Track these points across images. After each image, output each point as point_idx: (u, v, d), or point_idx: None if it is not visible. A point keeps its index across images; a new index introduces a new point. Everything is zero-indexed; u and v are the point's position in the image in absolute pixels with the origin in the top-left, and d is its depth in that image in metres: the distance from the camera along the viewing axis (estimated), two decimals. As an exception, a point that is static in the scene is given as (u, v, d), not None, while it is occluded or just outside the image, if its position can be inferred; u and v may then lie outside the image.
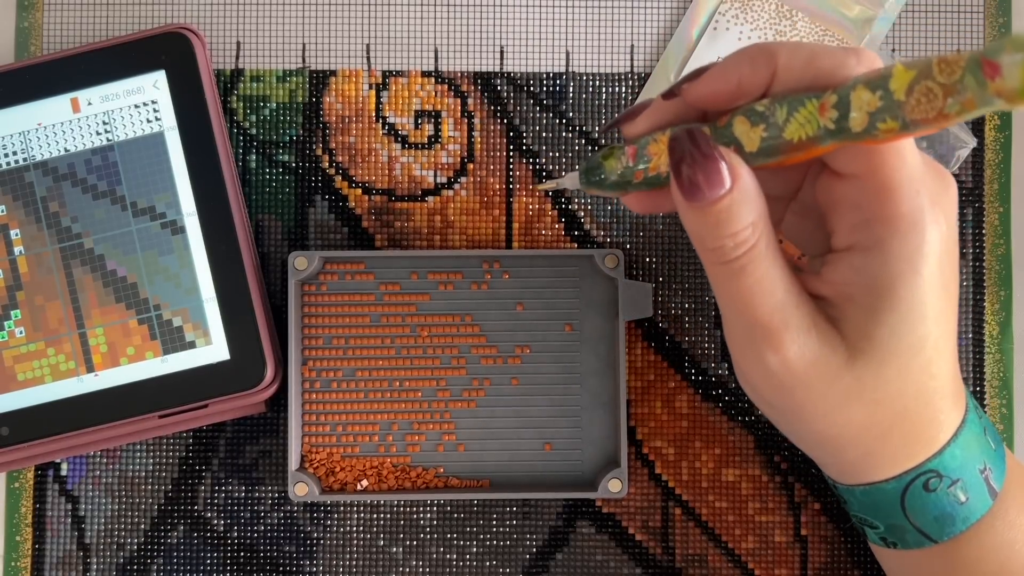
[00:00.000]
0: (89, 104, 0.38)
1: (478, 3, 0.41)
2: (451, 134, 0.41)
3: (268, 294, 0.40)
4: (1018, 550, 0.31)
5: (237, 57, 0.41)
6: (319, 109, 0.41)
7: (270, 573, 0.40)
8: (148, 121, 0.38)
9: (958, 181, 0.41)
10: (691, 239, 0.29)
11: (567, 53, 0.41)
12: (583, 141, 0.41)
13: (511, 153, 0.41)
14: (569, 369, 0.39)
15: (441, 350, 0.39)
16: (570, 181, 0.33)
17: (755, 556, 0.40)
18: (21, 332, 0.38)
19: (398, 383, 0.39)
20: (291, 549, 0.40)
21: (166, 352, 0.38)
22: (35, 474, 0.40)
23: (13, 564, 0.40)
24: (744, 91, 0.29)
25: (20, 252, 0.38)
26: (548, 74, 0.41)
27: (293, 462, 0.38)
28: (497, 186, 0.41)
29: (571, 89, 0.41)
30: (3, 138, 0.38)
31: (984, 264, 0.40)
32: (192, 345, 0.38)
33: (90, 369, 0.38)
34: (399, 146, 0.41)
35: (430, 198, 0.41)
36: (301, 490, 0.38)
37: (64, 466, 0.40)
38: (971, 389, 0.40)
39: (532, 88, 0.41)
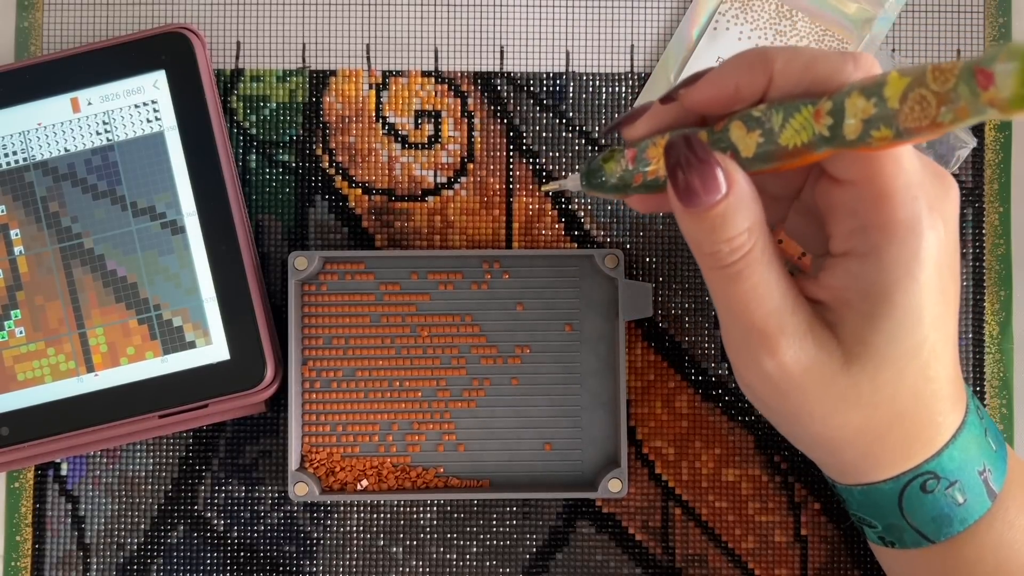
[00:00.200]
0: (89, 104, 0.38)
1: (478, 3, 0.41)
2: (451, 134, 0.41)
3: (268, 294, 0.40)
4: (1017, 550, 0.31)
5: (237, 57, 0.41)
6: (319, 109, 0.41)
7: (270, 573, 0.40)
8: (148, 121, 0.38)
9: (958, 181, 0.40)
10: (688, 243, 0.30)
11: (567, 53, 0.41)
12: (583, 141, 0.41)
13: (511, 153, 0.41)
14: (569, 369, 0.39)
15: (441, 350, 0.39)
16: (572, 183, 0.33)
17: (755, 556, 0.40)
18: (21, 332, 0.38)
19: (398, 383, 0.39)
20: (291, 549, 0.40)
21: (166, 352, 0.38)
22: (35, 474, 0.40)
23: (13, 564, 0.40)
24: (741, 96, 0.29)
25: (20, 252, 0.38)
26: (548, 74, 0.41)
27: (293, 462, 0.38)
28: (497, 186, 0.41)
29: (571, 89, 0.41)
30: (3, 138, 0.38)
31: (984, 264, 0.40)
32: (192, 345, 0.38)
33: (90, 369, 0.38)
34: (399, 146, 0.41)
35: (430, 198, 0.41)
36: (301, 490, 0.38)
37: (64, 466, 0.40)
38: (971, 389, 0.40)
39: (532, 88, 0.41)
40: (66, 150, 0.38)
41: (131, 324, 0.38)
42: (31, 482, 0.40)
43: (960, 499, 0.31)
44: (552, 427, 0.39)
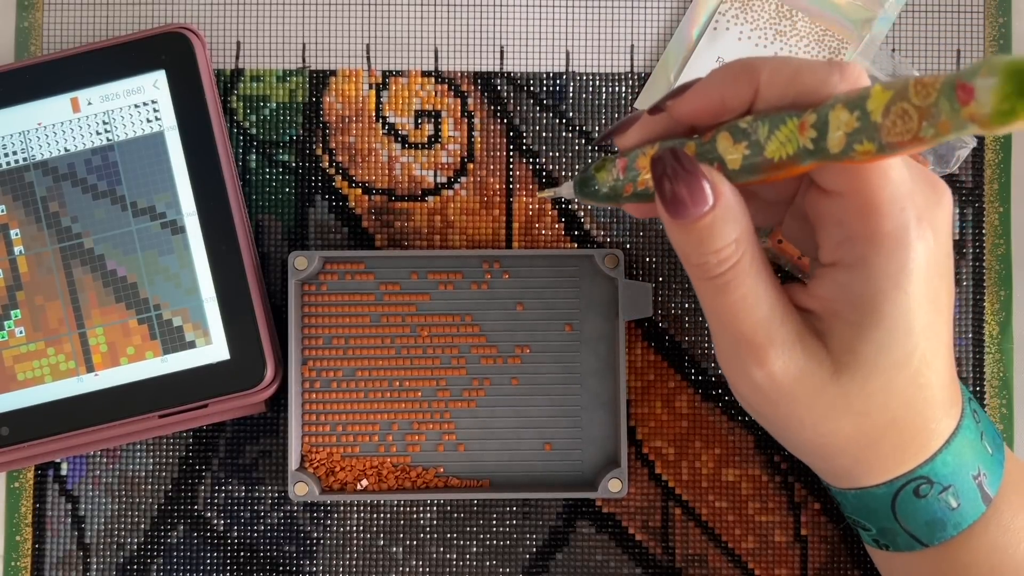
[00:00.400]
0: (89, 104, 0.38)
1: (478, 3, 0.41)
2: (451, 134, 0.41)
3: (268, 294, 0.40)
4: (1011, 554, 0.31)
5: (237, 57, 0.41)
6: (319, 109, 0.41)
7: (270, 573, 0.40)
8: (148, 121, 0.38)
9: (958, 181, 0.41)
10: (677, 254, 0.30)
11: (567, 53, 0.41)
12: (583, 141, 0.41)
13: (511, 153, 0.41)
14: (569, 369, 0.39)
15: (441, 350, 0.39)
16: (567, 190, 0.34)
17: (755, 556, 0.40)
18: (21, 332, 0.38)
19: (398, 383, 0.39)
20: (291, 549, 0.40)
21: (166, 352, 0.38)
22: (35, 474, 0.40)
23: (13, 564, 0.40)
24: (728, 107, 0.29)
25: (20, 252, 0.38)
26: (548, 74, 0.41)
27: (293, 462, 0.38)
28: (497, 186, 0.41)
29: (571, 89, 0.41)
30: (3, 138, 0.38)
31: (984, 264, 0.40)
32: (192, 345, 0.38)
33: (90, 369, 0.38)
34: (399, 146, 0.41)
35: (430, 198, 0.41)
36: (301, 490, 0.38)
37: (64, 466, 0.40)
38: (971, 389, 0.40)
39: (532, 88, 0.41)
40: (66, 150, 0.38)
41: (131, 324, 0.38)
42: (31, 482, 0.40)
43: (954, 503, 0.31)
44: (552, 427, 0.39)
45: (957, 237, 0.41)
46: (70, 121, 0.38)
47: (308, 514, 0.40)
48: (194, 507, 0.40)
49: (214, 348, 0.38)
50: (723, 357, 0.31)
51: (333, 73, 0.41)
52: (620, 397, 0.38)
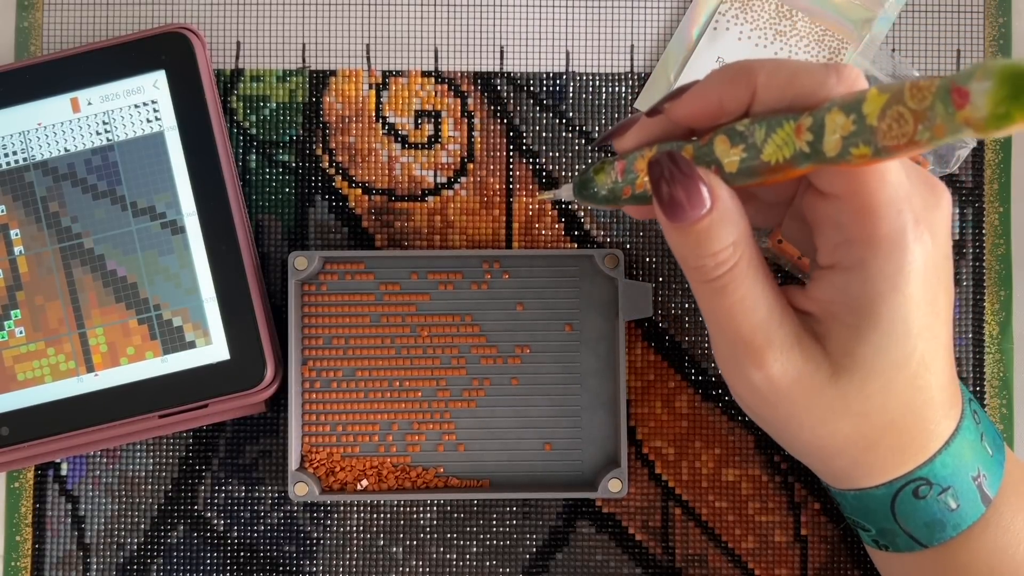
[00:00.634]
0: (89, 104, 0.38)
1: (478, 3, 0.41)
2: (451, 134, 0.41)
3: (268, 294, 0.40)
4: (1011, 554, 0.31)
5: (237, 57, 0.41)
6: (319, 109, 0.41)
7: (270, 573, 0.40)
8: (148, 121, 0.38)
9: (958, 181, 0.41)
10: (676, 257, 0.30)
11: (567, 53, 0.41)
12: (583, 141, 0.41)
13: (511, 153, 0.41)
14: (569, 369, 0.39)
15: (441, 350, 0.39)
16: (566, 192, 0.34)
17: (755, 556, 0.40)
18: (21, 332, 0.38)
19: (398, 383, 0.39)
20: (291, 549, 0.40)
21: (166, 352, 0.38)
22: (35, 474, 0.40)
23: (13, 564, 0.40)
24: (725, 110, 0.29)
25: (20, 252, 0.38)
26: (548, 74, 0.41)
27: (293, 462, 0.38)
28: (497, 186, 0.41)
29: (571, 89, 0.41)
30: (3, 138, 0.38)
31: (984, 264, 0.40)
32: (192, 345, 0.38)
33: (90, 369, 0.38)
34: (399, 146, 0.41)
35: (430, 198, 0.41)
36: (301, 490, 0.38)
37: (64, 466, 0.40)
38: (971, 389, 0.40)
39: (532, 88, 0.41)
40: (66, 150, 0.38)
41: (131, 324, 0.38)
42: (31, 482, 0.40)
43: (953, 505, 0.31)
44: (552, 427, 0.39)
45: (957, 237, 0.41)
46: (70, 121, 0.38)
47: (308, 514, 0.40)
48: (194, 507, 0.40)
49: (214, 348, 0.38)
50: (721, 359, 0.31)
51: (333, 73, 0.41)
52: (620, 397, 0.38)
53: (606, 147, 0.41)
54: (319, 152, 0.41)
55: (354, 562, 0.40)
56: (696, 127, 0.30)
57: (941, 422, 0.30)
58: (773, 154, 0.27)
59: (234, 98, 0.41)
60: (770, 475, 0.40)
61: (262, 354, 0.38)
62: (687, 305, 0.40)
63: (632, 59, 0.41)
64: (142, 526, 0.40)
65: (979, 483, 0.31)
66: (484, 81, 0.41)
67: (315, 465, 0.39)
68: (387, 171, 0.41)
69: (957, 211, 0.41)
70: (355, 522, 0.40)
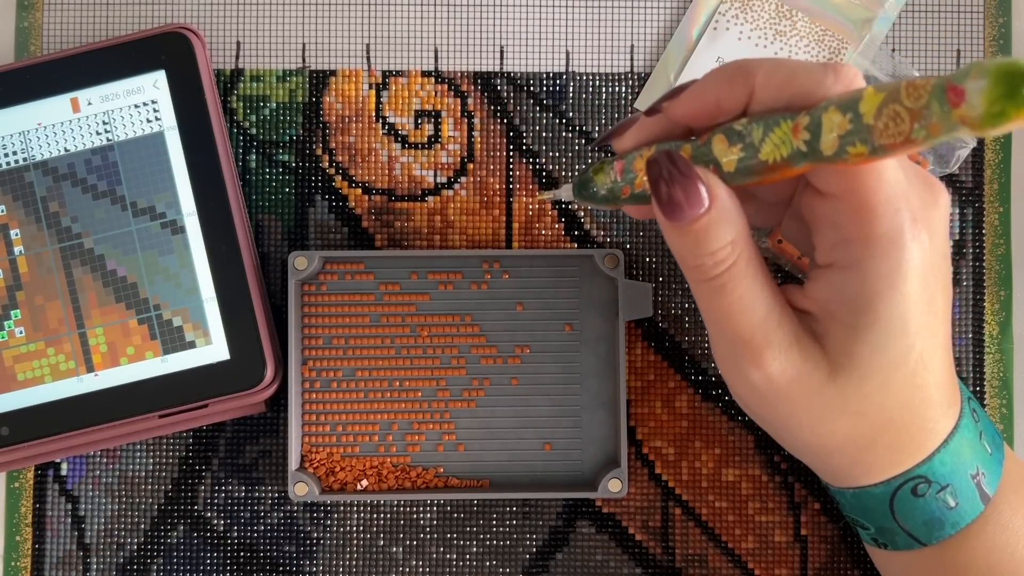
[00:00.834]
0: (89, 104, 0.38)
1: (478, 3, 0.41)
2: (451, 134, 0.41)
3: (268, 294, 0.40)
4: (1010, 552, 0.32)
5: (237, 57, 0.41)
6: (319, 109, 0.41)
7: (270, 573, 0.40)
8: (148, 121, 0.38)
9: (958, 181, 0.41)
10: (674, 256, 0.30)
11: (567, 53, 0.41)
12: (583, 141, 0.41)
13: (511, 153, 0.41)
14: (569, 369, 0.39)
15: (441, 350, 0.39)
16: (566, 193, 0.34)
17: (755, 556, 0.40)
18: (21, 332, 0.38)
19: (398, 383, 0.39)
20: (291, 549, 0.40)
21: (166, 352, 0.38)
22: (35, 474, 0.40)
23: (13, 564, 0.40)
24: (723, 109, 0.29)
25: (20, 252, 0.38)
26: (548, 74, 0.41)
27: (293, 462, 0.38)
28: (497, 186, 0.41)
29: (571, 89, 0.41)
30: (3, 138, 0.38)
31: (984, 264, 0.40)
32: (192, 345, 0.38)
33: (90, 369, 0.38)
34: (399, 146, 0.41)
35: (430, 198, 0.41)
36: (301, 490, 0.38)
37: (64, 466, 0.40)
38: (971, 389, 0.40)
39: (532, 88, 0.41)
40: (66, 150, 0.38)
41: (131, 324, 0.38)
42: (31, 482, 0.40)
43: (952, 503, 0.31)
44: (552, 427, 0.39)
45: (957, 237, 0.41)
46: (70, 121, 0.38)
47: (308, 514, 0.40)
48: (194, 507, 0.40)
49: (214, 348, 0.38)
50: (720, 358, 0.31)
51: (333, 73, 0.41)
52: (620, 397, 0.38)
53: (605, 147, 0.41)
54: (319, 152, 0.41)
55: (354, 562, 0.40)
56: (695, 126, 0.30)
57: (940, 420, 0.30)
58: (771, 153, 0.27)
59: (234, 98, 0.41)
60: (770, 475, 0.40)
61: (262, 354, 0.38)
62: (687, 305, 0.40)
63: (632, 59, 0.41)
64: (142, 526, 0.40)
65: (978, 481, 0.31)
66: (484, 81, 0.41)
67: (315, 465, 0.39)
68: (387, 171, 0.41)
69: (957, 211, 0.41)
70: (355, 522, 0.40)
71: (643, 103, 0.41)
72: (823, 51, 0.40)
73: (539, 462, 0.39)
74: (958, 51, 0.41)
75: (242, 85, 0.41)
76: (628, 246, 0.41)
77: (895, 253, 0.28)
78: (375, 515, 0.40)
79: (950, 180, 0.40)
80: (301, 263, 0.38)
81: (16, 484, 0.40)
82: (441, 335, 0.39)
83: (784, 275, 0.40)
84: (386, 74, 0.41)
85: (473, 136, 0.41)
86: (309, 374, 0.39)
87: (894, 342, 0.29)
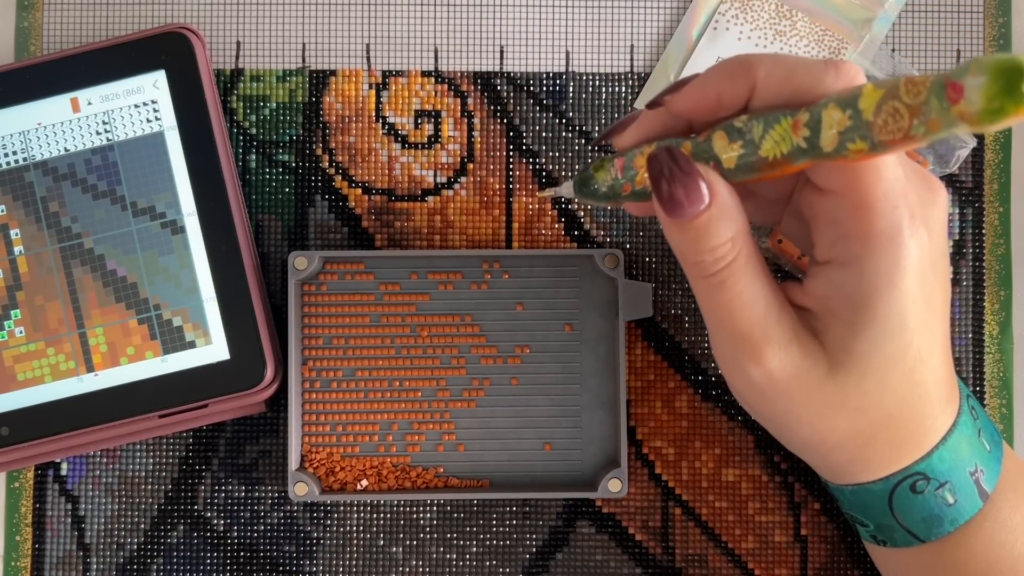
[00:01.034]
0: (89, 104, 0.38)
1: (478, 3, 0.41)
2: (451, 134, 0.41)
3: (268, 294, 0.40)
4: (1008, 549, 0.32)
5: (237, 57, 0.41)
6: (319, 109, 0.41)
7: (270, 573, 0.40)
8: (148, 121, 0.38)
9: (958, 181, 0.41)
10: (675, 253, 0.30)
11: (567, 53, 0.41)
12: (583, 141, 0.41)
13: (511, 153, 0.41)
14: (569, 369, 0.39)
15: (441, 350, 0.39)
16: (566, 190, 0.34)
17: (755, 556, 0.40)
18: (21, 332, 0.38)
19: (398, 383, 0.39)
20: (291, 549, 0.40)
21: (166, 352, 0.38)
22: (35, 474, 0.40)
23: (13, 564, 0.40)
24: (724, 104, 0.29)
25: (20, 252, 0.38)
26: (548, 74, 0.41)
27: (293, 462, 0.38)
28: (497, 186, 0.41)
29: (571, 89, 0.41)
30: (3, 138, 0.38)
31: (984, 264, 0.40)
32: (192, 345, 0.38)
33: (90, 369, 0.38)
34: (399, 146, 0.41)
35: (430, 198, 0.41)
36: (301, 490, 0.38)
37: (64, 466, 0.40)
38: (971, 389, 0.40)
39: (532, 88, 0.41)
40: (66, 150, 0.38)
41: (131, 324, 0.38)
42: (31, 482, 0.40)
43: (951, 500, 0.31)
44: (552, 427, 0.39)
45: (957, 237, 0.41)
46: (70, 121, 0.38)
47: (308, 514, 0.40)
48: (194, 507, 0.40)
49: (214, 348, 0.38)
50: (720, 355, 0.31)
51: (333, 73, 0.41)
52: (620, 397, 0.38)
53: (606, 145, 0.41)
54: (319, 152, 0.41)
55: (354, 562, 0.40)
56: (696, 121, 0.30)
57: (938, 417, 0.31)
58: (771, 150, 0.27)
59: (234, 98, 0.41)
60: (770, 475, 0.40)
61: (262, 354, 0.38)
62: (687, 305, 0.40)
63: (632, 59, 0.41)
64: (142, 526, 0.40)
65: (976, 478, 0.31)
66: (484, 81, 0.41)
67: (315, 465, 0.39)
68: (387, 171, 0.41)
69: (957, 211, 0.41)
70: (355, 522, 0.40)
71: (643, 103, 0.41)
72: (823, 51, 0.40)
73: (539, 462, 0.39)
74: (958, 51, 0.41)
75: (242, 85, 0.41)
76: (628, 246, 0.41)
77: (893, 250, 0.28)
78: (375, 515, 0.40)
79: (950, 180, 0.40)
80: (301, 263, 0.38)
81: (16, 484, 0.40)
82: (441, 335, 0.39)
83: (784, 275, 0.40)
84: (386, 74, 0.41)
85: (473, 136, 0.41)
86: (309, 374, 0.39)
87: (892, 339, 0.29)
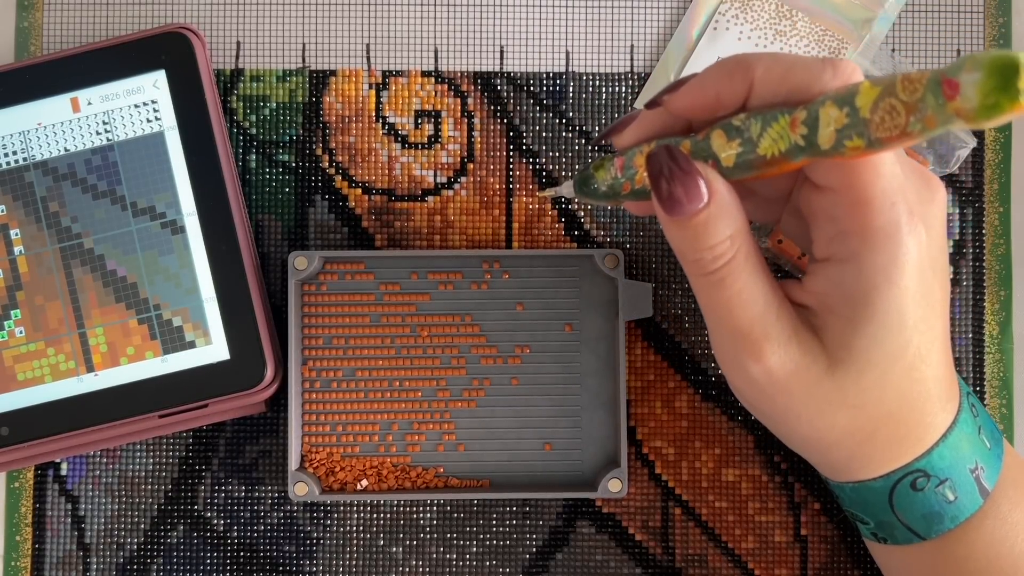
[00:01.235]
0: (89, 104, 0.38)
1: (478, 3, 0.41)
2: (451, 134, 0.41)
3: (268, 294, 0.40)
4: (1009, 546, 0.32)
5: (237, 57, 0.41)
6: (319, 109, 0.41)
7: (270, 573, 0.40)
8: (148, 121, 0.38)
9: (958, 181, 0.41)
10: (674, 251, 0.30)
11: (567, 53, 0.41)
12: (583, 141, 0.41)
13: (511, 153, 0.41)
14: (569, 369, 0.39)
15: (441, 350, 0.39)
16: (567, 189, 0.34)
17: (755, 556, 0.40)
18: (21, 332, 0.38)
19: (398, 383, 0.39)
20: (291, 549, 0.40)
21: (166, 352, 0.38)
22: (35, 474, 0.40)
23: (13, 564, 0.40)
24: (723, 103, 0.29)
25: (20, 252, 0.38)
26: (548, 74, 0.41)
27: (293, 462, 0.38)
28: (497, 186, 0.41)
29: (571, 89, 0.41)
30: (3, 138, 0.38)
31: (984, 264, 0.40)
32: (192, 345, 0.38)
33: (90, 369, 0.38)
34: (399, 146, 0.41)
35: (430, 198, 0.41)
36: (301, 490, 0.38)
37: (64, 466, 0.40)
38: (969, 388, 0.40)
39: (532, 88, 0.41)
40: (66, 150, 0.38)
41: (131, 324, 0.38)
42: (31, 482, 0.40)
43: (951, 497, 0.31)
44: (552, 427, 0.39)
45: (957, 237, 0.41)
46: (70, 121, 0.38)
47: (308, 514, 0.40)
48: (194, 507, 0.40)
49: (214, 348, 0.38)
50: (719, 352, 0.31)
51: (333, 73, 0.41)
52: (620, 397, 0.38)
53: (606, 145, 0.41)
54: (319, 152, 0.41)
55: (354, 562, 0.40)
56: (694, 120, 0.30)
57: (938, 414, 0.31)
58: (769, 148, 0.27)
59: (234, 98, 0.41)
60: (770, 475, 0.40)
61: (262, 354, 0.38)
62: (687, 305, 0.40)
63: (632, 59, 0.41)
64: (142, 526, 0.40)
65: (977, 475, 0.31)
66: (484, 81, 0.41)
67: (315, 465, 0.39)
68: (387, 171, 0.41)
69: (957, 211, 0.41)
70: (355, 522, 0.40)
71: (643, 103, 0.41)
72: (823, 51, 0.40)
73: (539, 462, 0.39)
74: (958, 51, 0.41)
75: (242, 85, 0.41)
76: (628, 246, 0.41)
77: (892, 246, 0.28)
78: (375, 515, 0.40)
79: (950, 180, 0.40)
80: (301, 263, 0.38)
81: (16, 484, 0.40)
82: (441, 335, 0.39)
83: (784, 275, 0.40)
84: (386, 74, 0.41)
85: (473, 136, 0.41)
86: (309, 374, 0.39)
87: (892, 335, 0.29)
